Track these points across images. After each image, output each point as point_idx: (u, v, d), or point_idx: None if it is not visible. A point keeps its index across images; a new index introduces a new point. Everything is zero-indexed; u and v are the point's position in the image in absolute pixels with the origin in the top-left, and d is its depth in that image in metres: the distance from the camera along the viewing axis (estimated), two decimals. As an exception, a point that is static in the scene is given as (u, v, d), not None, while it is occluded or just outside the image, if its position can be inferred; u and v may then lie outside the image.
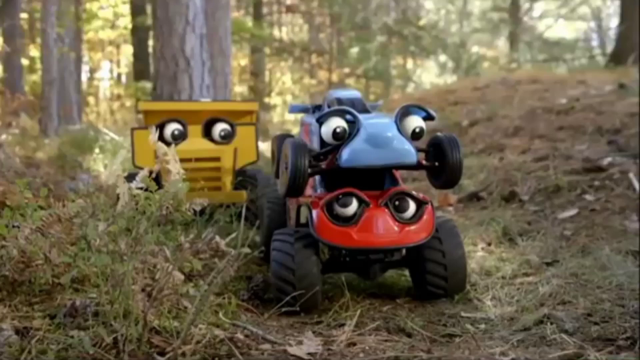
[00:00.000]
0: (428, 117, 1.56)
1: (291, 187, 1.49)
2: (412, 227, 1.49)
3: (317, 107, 1.97)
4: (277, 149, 1.81)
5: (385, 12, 11.84)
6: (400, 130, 1.49)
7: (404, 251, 1.58)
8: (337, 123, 1.51)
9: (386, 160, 1.47)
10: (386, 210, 1.49)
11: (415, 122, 1.53)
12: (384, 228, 1.47)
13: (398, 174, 1.69)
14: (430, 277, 1.54)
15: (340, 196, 1.48)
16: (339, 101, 1.74)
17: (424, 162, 1.57)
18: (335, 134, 1.51)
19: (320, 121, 1.53)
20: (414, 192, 1.53)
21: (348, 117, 1.53)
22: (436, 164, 1.56)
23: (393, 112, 1.58)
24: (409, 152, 1.47)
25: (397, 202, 1.50)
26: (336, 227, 1.47)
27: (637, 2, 6.88)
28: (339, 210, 1.48)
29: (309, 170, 1.50)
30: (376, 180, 1.61)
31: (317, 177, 1.69)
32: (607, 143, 3.22)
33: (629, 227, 2.21)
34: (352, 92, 1.80)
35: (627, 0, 7.47)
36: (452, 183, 1.57)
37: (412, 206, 1.50)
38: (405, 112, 1.54)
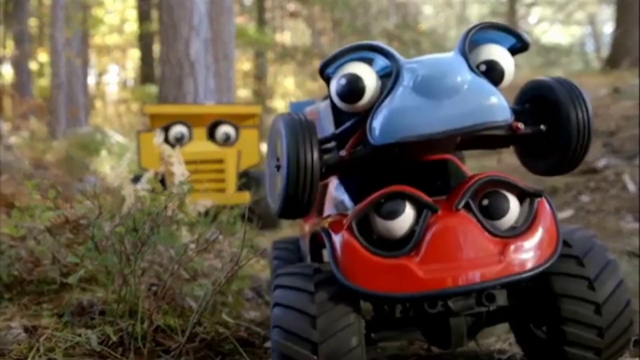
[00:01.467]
0: (520, 46, 0.87)
1: (290, 200, 0.81)
2: (521, 243, 0.81)
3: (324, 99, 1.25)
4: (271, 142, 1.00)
5: (385, 17, 11.89)
6: (473, 68, 0.81)
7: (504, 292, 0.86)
8: (352, 70, 0.83)
9: (462, 121, 0.76)
10: (469, 216, 0.82)
11: (486, 53, 0.84)
12: (471, 249, 0.80)
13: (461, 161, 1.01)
14: (573, 329, 0.83)
15: (382, 200, 0.82)
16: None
17: (520, 126, 0.86)
18: (341, 89, 0.83)
19: (328, 73, 0.85)
20: (513, 180, 0.85)
21: (379, 61, 0.85)
22: (542, 128, 0.86)
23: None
24: (498, 105, 0.78)
25: (486, 201, 0.83)
26: (382, 260, 0.80)
27: (632, 7, 6.92)
28: (382, 227, 0.82)
29: (320, 166, 0.81)
30: (435, 175, 0.94)
31: (335, 182, 1.05)
32: (602, 145, 3.26)
33: (624, 227, 2.24)
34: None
35: (621, 6, 7.52)
36: (574, 160, 0.86)
37: (514, 204, 0.84)
38: (478, 37, 0.85)
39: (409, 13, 12.29)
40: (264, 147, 3.06)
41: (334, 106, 0.90)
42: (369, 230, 0.83)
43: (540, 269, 0.81)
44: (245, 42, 10.13)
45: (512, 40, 0.87)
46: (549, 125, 0.86)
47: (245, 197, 2.44)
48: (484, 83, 0.80)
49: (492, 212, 0.83)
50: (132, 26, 11.40)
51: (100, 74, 13.97)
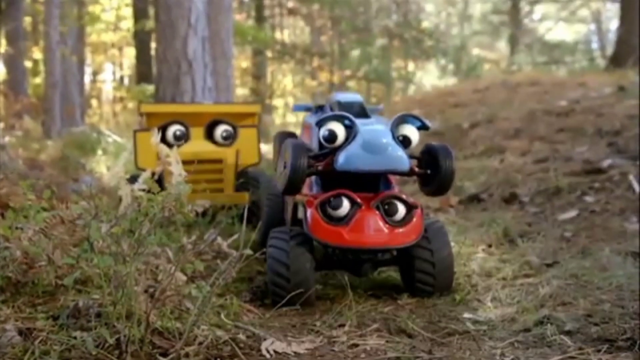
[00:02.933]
0: (422, 127, 1.60)
1: (289, 186, 1.55)
2: (401, 230, 1.54)
3: (320, 108, 2.00)
4: (278, 146, 1.89)
5: (386, 15, 11.90)
6: (395, 137, 1.54)
7: (394, 251, 1.62)
8: (332, 127, 1.55)
9: (379, 166, 1.52)
10: (377, 212, 1.54)
11: (404, 130, 1.57)
12: (374, 229, 1.52)
13: (394, 178, 1.72)
14: (419, 274, 1.59)
15: (333, 197, 1.53)
16: (339, 104, 1.78)
17: (416, 169, 1.61)
18: (325, 136, 1.55)
19: (319, 124, 1.57)
20: (404, 196, 1.57)
21: (347, 122, 1.57)
22: (428, 171, 1.61)
23: (392, 117, 1.61)
24: (402, 159, 1.51)
25: (388, 205, 1.55)
26: (328, 226, 1.52)
27: (636, 5, 6.90)
28: (332, 210, 1.53)
29: (307, 171, 1.55)
30: (371, 183, 1.64)
31: (314, 177, 1.71)
32: (607, 145, 3.24)
33: (629, 228, 2.23)
34: (353, 96, 1.86)
35: (626, 3, 7.50)
36: (442, 191, 1.61)
37: (402, 209, 1.55)
38: (401, 120, 1.59)
39: (411, 11, 12.28)
40: (262, 147, 3.04)
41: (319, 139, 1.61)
42: (325, 209, 1.54)
43: (408, 244, 1.55)
44: (243, 40, 10.10)
45: (419, 123, 1.60)
46: (431, 169, 1.60)
47: (244, 197, 2.42)
48: (398, 147, 1.52)
49: (389, 211, 1.55)
50: (128, 24, 11.35)
51: (96, 73, 13.92)
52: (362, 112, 1.76)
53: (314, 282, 1.56)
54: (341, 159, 1.52)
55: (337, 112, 1.60)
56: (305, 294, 1.51)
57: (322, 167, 1.60)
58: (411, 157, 1.58)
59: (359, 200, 1.53)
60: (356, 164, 1.51)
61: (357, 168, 1.51)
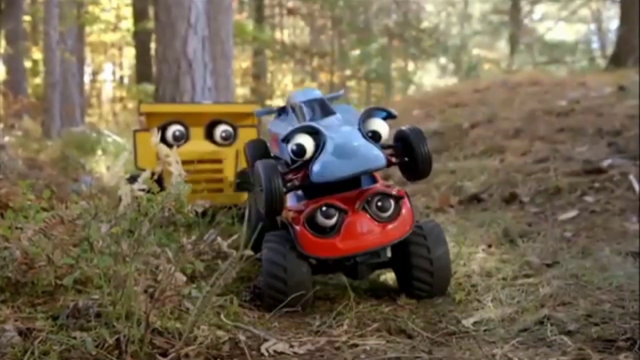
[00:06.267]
0: (389, 116, 1.58)
1: (269, 210, 1.51)
2: (393, 225, 1.53)
3: (282, 109, 1.96)
4: (250, 158, 1.92)
5: (386, 14, 11.91)
6: (364, 135, 1.50)
7: (389, 251, 1.59)
8: (299, 140, 1.51)
9: (356, 169, 1.47)
10: (364, 213, 1.52)
11: (372, 125, 1.54)
12: (366, 231, 1.51)
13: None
14: (417, 272, 1.56)
15: (320, 210, 1.51)
16: (302, 105, 1.70)
17: (393, 159, 1.57)
18: (295, 151, 1.51)
19: (286, 140, 1.53)
20: (387, 190, 1.55)
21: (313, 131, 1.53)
22: (406, 159, 1.58)
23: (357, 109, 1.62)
24: (377, 157, 1.48)
25: (373, 204, 1.53)
26: (320, 240, 1.50)
27: (636, 4, 6.92)
28: (321, 221, 1.51)
29: (283, 189, 1.51)
30: (353, 182, 1.63)
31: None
32: (607, 145, 3.25)
33: (629, 228, 2.23)
34: (312, 92, 1.79)
35: (627, 3, 7.53)
36: (424, 175, 1.59)
37: (388, 204, 1.53)
38: (367, 115, 1.57)
39: (411, 10, 12.30)
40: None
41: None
42: (313, 222, 1.53)
43: (401, 238, 1.54)
44: (243, 40, 10.10)
45: (384, 114, 1.58)
46: (408, 156, 1.57)
47: (244, 197, 2.42)
48: (370, 145, 1.49)
49: (377, 209, 1.54)
50: (128, 24, 11.36)
51: (95, 72, 13.93)
52: (326, 109, 1.69)
53: (311, 286, 1.55)
54: (316, 170, 1.48)
55: (302, 125, 1.55)
56: (304, 297, 1.50)
57: (299, 181, 1.55)
58: (386, 147, 1.55)
59: (344, 206, 1.52)
60: (332, 172, 1.47)
61: (334, 176, 1.47)
